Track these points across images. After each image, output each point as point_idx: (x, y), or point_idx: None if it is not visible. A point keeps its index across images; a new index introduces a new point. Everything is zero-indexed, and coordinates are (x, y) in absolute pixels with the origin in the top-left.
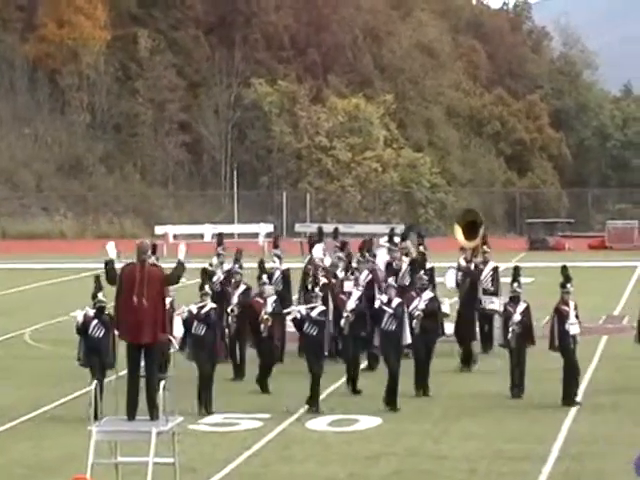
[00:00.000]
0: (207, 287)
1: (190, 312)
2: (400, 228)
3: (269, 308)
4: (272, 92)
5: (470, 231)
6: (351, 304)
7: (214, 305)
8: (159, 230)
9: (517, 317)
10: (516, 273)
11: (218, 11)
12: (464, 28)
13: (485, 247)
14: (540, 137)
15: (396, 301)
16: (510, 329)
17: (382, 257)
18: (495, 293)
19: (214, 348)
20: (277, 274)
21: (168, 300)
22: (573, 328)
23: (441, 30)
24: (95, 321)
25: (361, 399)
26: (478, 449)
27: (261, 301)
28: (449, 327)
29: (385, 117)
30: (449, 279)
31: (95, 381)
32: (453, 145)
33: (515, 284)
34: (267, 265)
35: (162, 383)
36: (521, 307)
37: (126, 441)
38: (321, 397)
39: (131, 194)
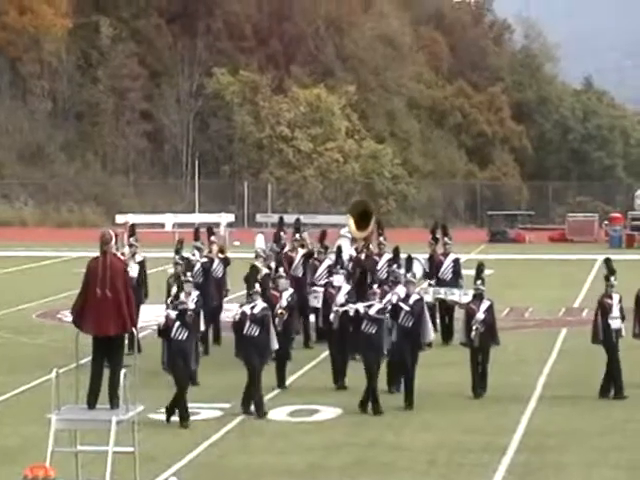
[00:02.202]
0: (257, 286)
1: (244, 313)
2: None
3: (284, 302)
4: (234, 82)
5: (362, 222)
6: (340, 298)
7: (266, 305)
8: (120, 219)
9: (480, 315)
10: (479, 270)
11: (180, 0)
12: (426, 20)
13: (446, 239)
14: (501, 129)
15: (414, 297)
16: (473, 327)
17: (345, 248)
18: (455, 284)
19: (267, 350)
20: (197, 266)
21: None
22: (615, 322)
23: (403, 22)
24: (177, 323)
25: (322, 389)
26: (438, 440)
27: (277, 294)
28: None
29: (347, 108)
30: (417, 268)
31: (55, 369)
32: (414, 136)
33: (478, 281)
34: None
35: (122, 372)
36: (485, 305)
37: (86, 430)
38: (278, 390)
39: (92, 182)
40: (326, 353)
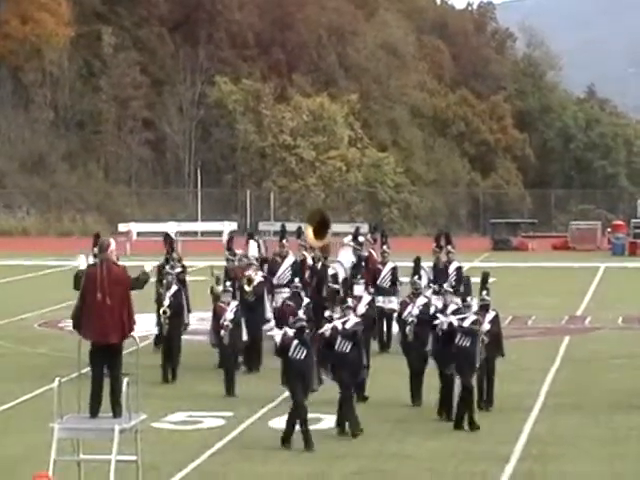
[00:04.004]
0: (350, 300)
1: (335, 328)
2: (364, 228)
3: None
4: (236, 90)
5: (320, 231)
6: (361, 309)
7: (358, 319)
8: (122, 227)
9: (486, 326)
10: (484, 280)
11: (183, 9)
12: (428, 28)
13: (449, 247)
14: (504, 138)
15: (452, 307)
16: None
17: (347, 257)
18: (458, 292)
19: (359, 367)
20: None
21: None
22: None
23: (406, 30)
24: (295, 342)
25: (324, 399)
26: (441, 449)
27: (292, 305)
28: None
29: (349, 116)
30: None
31: (57, 378)
32: (417, 145)
33: (484, 292)
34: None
35: (125, 380)
36: (490, 316)
37: (89, 439)
38: (281, 398)
39: (94, 191)
40: None
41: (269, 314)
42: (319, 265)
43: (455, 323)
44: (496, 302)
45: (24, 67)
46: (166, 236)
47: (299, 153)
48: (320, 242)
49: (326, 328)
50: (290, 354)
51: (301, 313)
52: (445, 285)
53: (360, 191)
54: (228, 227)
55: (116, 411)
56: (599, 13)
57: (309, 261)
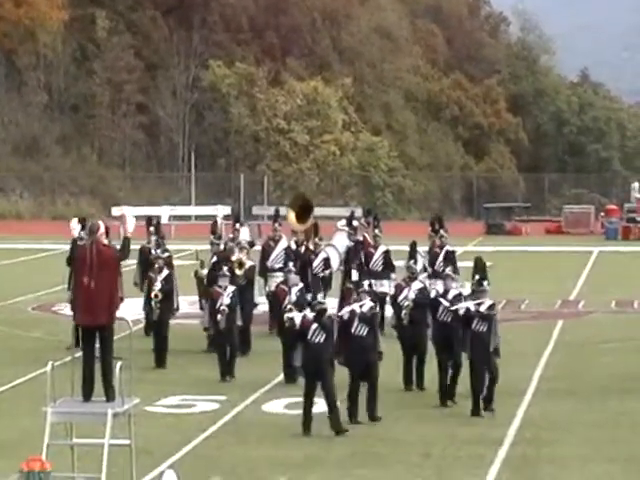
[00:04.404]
0: (366, 284)
1: (353, 311)
2: (358, 211)
3: (293, 297)
4: (230, 74)
5: (302, 215)
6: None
7: (373, 304)
8: (116, 211)
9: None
10: (482, 267)
11: None
12: (422, 12)
13: (442, 231)
14: (497, 122)
15: (453, 292)
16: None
17: (341, 241)
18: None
19: (374, 350)
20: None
21: None
22: None
23: (400, 14)
24: (315, 325)
25: None
26: (432, 433)
27: (286, 289)
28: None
29: (343, 100)
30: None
31: (50, 362)
32: (411, 129)
33: (485, 282)
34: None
35: (118, 364)
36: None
37: (82, 422)
38: (274, 382)
39: (88, 175)
40: None
41: (258, 299)
42: (302, 249)
43: (472, 308)
44: (490, 286)
45: (18, 50)
46: (149, 219)
47: (293, 137)
48: (302, 226)
49: (344, 311)
50: (309, 337)
51: (320, 297)
52: (448, 269)
53: (354, 175)
54: (222, 211)
55: (109, 395)
56: None
57: (292, 245)
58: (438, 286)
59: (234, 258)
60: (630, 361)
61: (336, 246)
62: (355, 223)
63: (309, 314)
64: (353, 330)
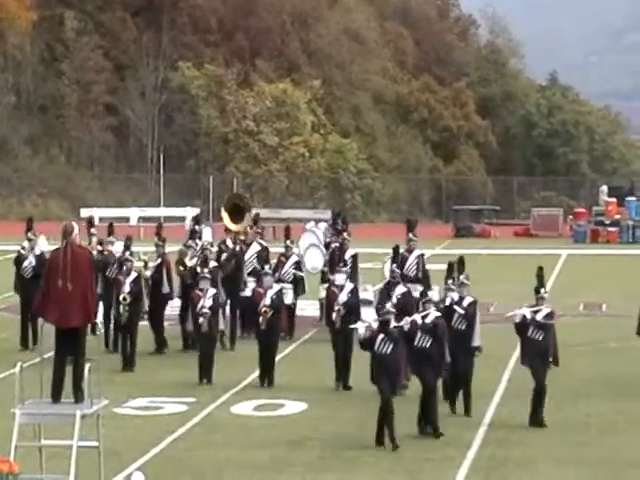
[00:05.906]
0: (431, 293)
1: (414, 322)
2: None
3: (268, 300)
4: (199, 76)
5: (236, 214)
6: (343, 297)
7: (439, 314)
8: (84, 212)
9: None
10: (455, 270)
11: None
12: (391, 14)
13: (411, 235)
14: (466, 124)
15: (467, 300)
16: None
17: (309, 241)
18: (419, 280)
19: (441, 362)
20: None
21: None
22: None
23: (368, 16)
24: (381, 336)
25: (287, 384)
26: (403, 435)
27: (261, 292)
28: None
29: (312, 102)
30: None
31: (19, 363)
32: (380, 131)
33: (455, 280)
34: None
35: (87, 366)
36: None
37: (50, 424)
38: (244, 384)
39: (56, 176)
40: (292, 348)
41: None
42: (237, 247)
43: (528, 316)
44: None
45: None
46: (110, 225)
47: (262, 139)
48: (237, 226)
49: (405, 322)
50: (375, 348)
51: (389, 305)
52: (461, 277)
53: (323, 177)
54: (191, 212)
55: (78, 396)
56: (562, 0)
57: (229, 244)
58: (453, 294)
59: (187, 260)
60: (598, 364)
61: (300, 247)
62: (323, 225)
63: (374, 324)
64: (416, 342)
